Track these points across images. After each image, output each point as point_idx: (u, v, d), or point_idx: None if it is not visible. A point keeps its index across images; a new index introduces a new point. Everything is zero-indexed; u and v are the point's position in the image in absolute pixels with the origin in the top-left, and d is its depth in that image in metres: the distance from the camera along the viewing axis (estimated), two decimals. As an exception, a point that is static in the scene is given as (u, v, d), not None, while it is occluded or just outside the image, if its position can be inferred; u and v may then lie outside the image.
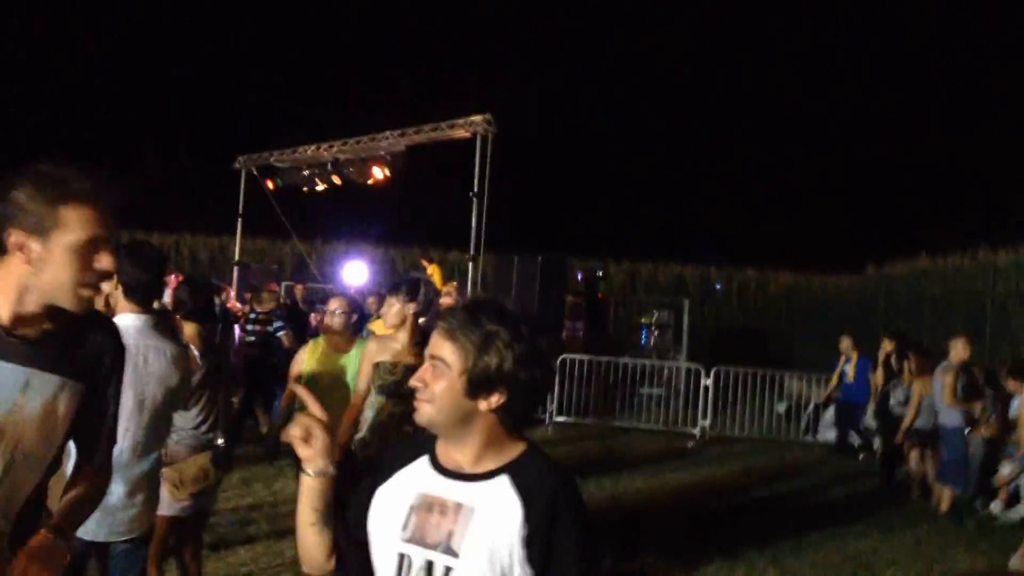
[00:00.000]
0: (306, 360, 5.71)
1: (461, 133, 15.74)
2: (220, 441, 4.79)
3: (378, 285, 18.31)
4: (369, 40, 37.01)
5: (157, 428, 3.85)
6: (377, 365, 4.82)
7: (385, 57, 38.46)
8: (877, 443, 11.64)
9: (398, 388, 4.60)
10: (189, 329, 4.69)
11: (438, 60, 35.32)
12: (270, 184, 19.31)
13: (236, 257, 21.05)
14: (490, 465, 2.02)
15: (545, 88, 32.64)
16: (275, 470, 8.97)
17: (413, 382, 2.03)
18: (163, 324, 3.96)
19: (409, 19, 36.84)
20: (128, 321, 3.72)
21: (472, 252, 15.01)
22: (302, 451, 2.09)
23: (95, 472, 2.47)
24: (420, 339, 4.78)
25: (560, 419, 13.46)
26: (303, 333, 12.78)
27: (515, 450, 2.04)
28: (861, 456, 12.32)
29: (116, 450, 3.67)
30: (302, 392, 2.24)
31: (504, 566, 1.93)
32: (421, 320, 4.94)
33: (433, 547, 1.98)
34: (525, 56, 35.50)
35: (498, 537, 1.94)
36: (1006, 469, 9.59)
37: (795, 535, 8.01)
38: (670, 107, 34.57)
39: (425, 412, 2.01)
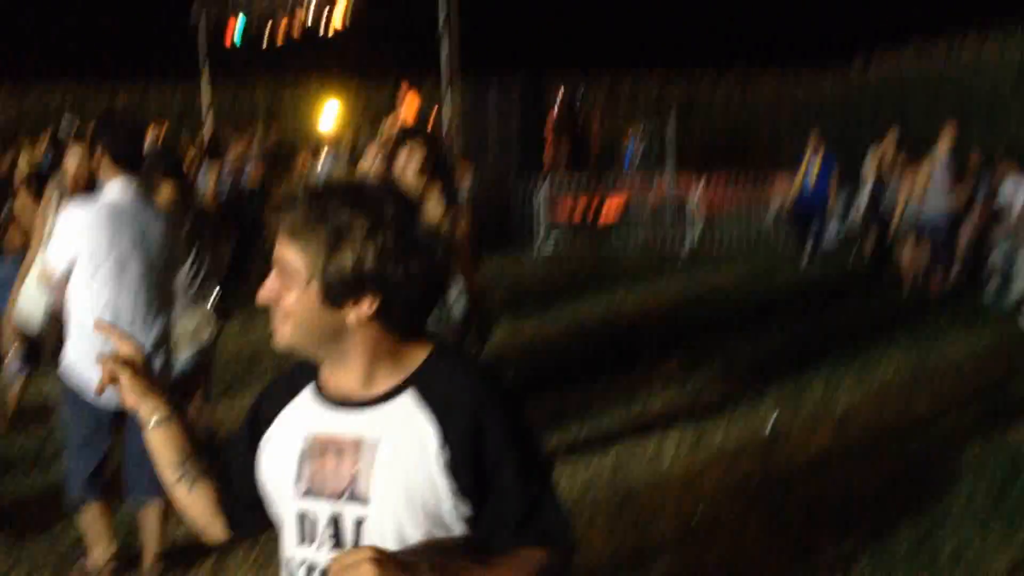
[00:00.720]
0: None
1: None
2: (215, 293, 4.80)
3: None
4: None
5: (165, 289, 3.95)
6: None
7: None
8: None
9: None
10: (167, 187, 4.63)
11: None
12: (232, 30, 18.69)
13: (205, 108, 20.61)
14: (387, 383, 1.63)
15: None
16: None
17: (261, 298, 1.63)
18: (149, 186, 3.99)
19: None
20: (119, 186, 3.80)
21: (444, 86, 14.68)
22: (124, 399, 1.78)
23: None
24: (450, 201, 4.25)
25: (550, 243, 13.47)
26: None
27: (416, 357, 1.64)
28: (853, 253, 12.42)
29: (129, 315, 3.75)
30: (104, 328, 1.92)
31: (428, 503, 1.57)
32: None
33: (336, 497, 1.61)
34: None
35: (414, 469, 1.57)
36: (998, 254, 9.70)
37: (789, 338, 8.16)
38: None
39: (282, 333, 1.61)
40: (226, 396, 6.31)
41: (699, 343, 8.01)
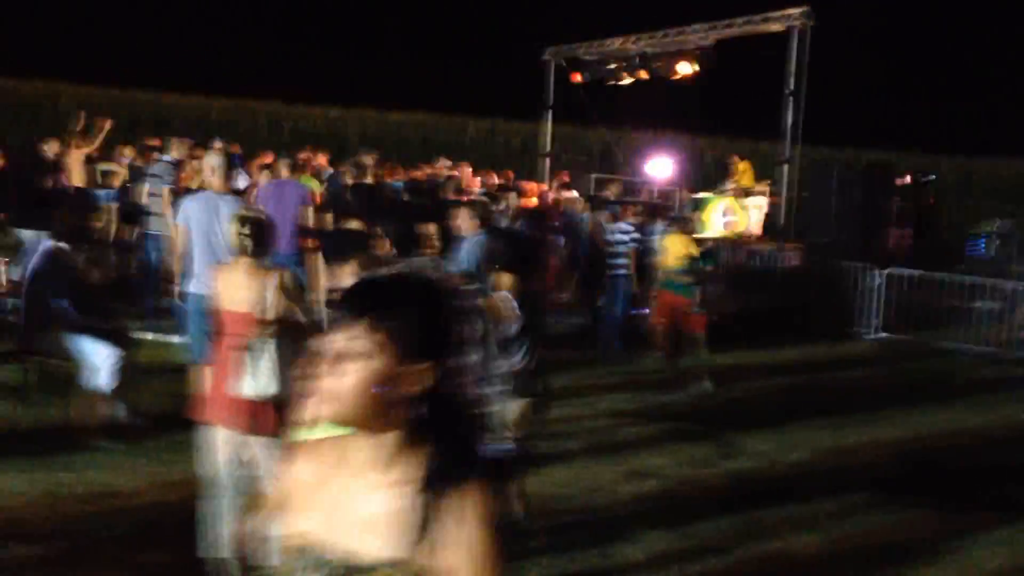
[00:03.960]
0: None
1: (775, 27, 14.75)
2: (540, 388, 4.82)
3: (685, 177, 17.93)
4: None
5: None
6: None
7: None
8: None
9: None
10: (505, 280, 4.70)
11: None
12: (577, 77, 19.22)
13: (547, 148, 21.25)
14: None
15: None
16: (587, 384, 8.94)
17: None
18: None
19: None
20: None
21: (787, 154, 14.22)
22: None
23: None
24: None
25: (882, 335, 12.55)
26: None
27: None
28: None
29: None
30: None
31: None
32: None
33: None
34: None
35: None
36: None
37: None
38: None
39: None
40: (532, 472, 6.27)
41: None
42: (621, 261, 10.10)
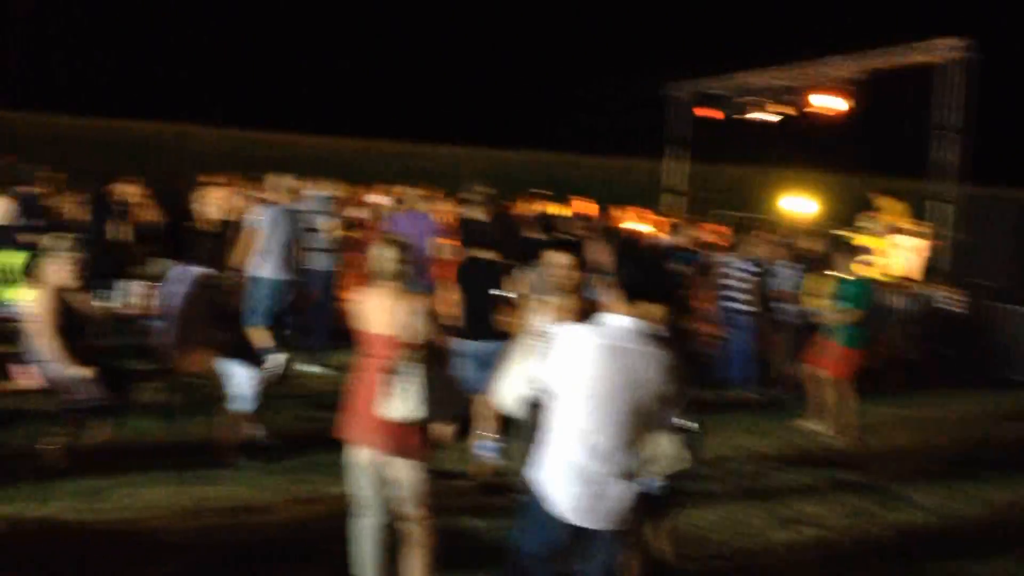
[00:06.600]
0: None
1: (927, 59, 14.23)
2: (693, 425, 4.72)
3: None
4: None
5: (647, 422, 3.91)
6: None
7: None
8: None
9: None
10: (654, 311, 4.58)
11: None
12: (708, 112, 19.17)
13: (675, 185, 21.23)
14: None
15: None
16: (725, 423, 8.69)
17: None
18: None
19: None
20: (621, 321, 3.82)
21: (939, 192, 13.77)
22: None
23: None
24: None
25: None
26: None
27: None
28: None
29: (604, 442, 3.81)
30: None
31: None
32: None
33: None
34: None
35: None
36: None
37: None
38: None
39: None
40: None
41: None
42: (742, 297, 10.28)
